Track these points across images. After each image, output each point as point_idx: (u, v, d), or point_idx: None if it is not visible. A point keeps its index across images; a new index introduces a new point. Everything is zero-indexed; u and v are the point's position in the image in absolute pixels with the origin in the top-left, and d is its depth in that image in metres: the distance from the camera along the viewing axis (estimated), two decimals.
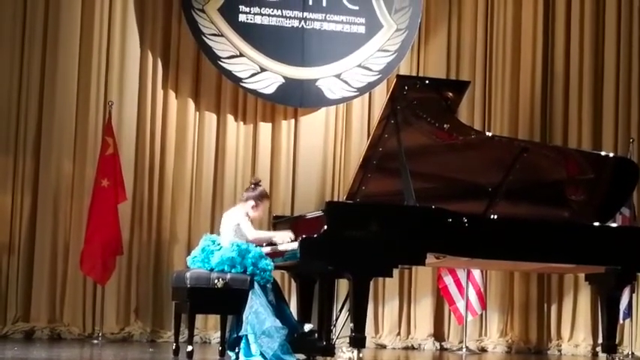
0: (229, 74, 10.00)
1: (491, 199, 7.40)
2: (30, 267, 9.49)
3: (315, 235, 6.53)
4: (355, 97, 10.33)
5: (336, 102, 10.28)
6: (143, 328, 9.64)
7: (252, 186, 7.36)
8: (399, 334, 10.24)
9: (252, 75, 10.04)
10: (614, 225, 7.99)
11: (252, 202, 7.26)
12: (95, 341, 9.19)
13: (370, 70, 10.31)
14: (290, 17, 10.17)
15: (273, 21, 10.14)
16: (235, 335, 7.05)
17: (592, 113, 10.50)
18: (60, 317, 9.52)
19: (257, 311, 6.90)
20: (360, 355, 6.61)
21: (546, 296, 10.36)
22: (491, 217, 7.19)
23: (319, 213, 6.94)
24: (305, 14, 10.19)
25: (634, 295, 9.75)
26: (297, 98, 10.18)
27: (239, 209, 7.28)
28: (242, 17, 10.08)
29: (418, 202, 6.80)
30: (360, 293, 6.59)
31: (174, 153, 9.94)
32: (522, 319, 10.29)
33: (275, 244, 7.23)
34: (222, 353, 7.30)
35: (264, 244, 7.43)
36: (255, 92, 10.08)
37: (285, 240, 7.12)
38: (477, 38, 10.60)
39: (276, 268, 7.18)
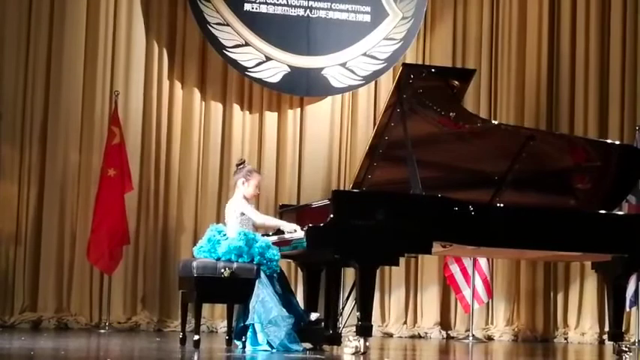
0: (235, 63, 10.00)
1: (498, 187, 7.38)
2: (37, 257, 9.51)
3: (322, 224, 6.54)
4: (361, 85, 10.32)
5: (342, 91, 10.28)
6: (150, 318, 9.66)
7: (236, 169, 7.39)
8: (405, 322, 10.25)
9: (258, 64, 10.03)
10: (620, 213, 7.97)
11: (241, 180, 7.27)
12: (102, 331, 9.21)
13: (376, 58, 10.30)
14: (295, 6, 10.16)
15: (279, 10, 10.13)
16: (242, 324, 7.06)
17: (598, 101, 10.49)
18: (67, 307, 9.54)
19: (263, 300, 6.91)
20: (367, 343, 6.61)
21: (553, 284, 10.36)
22: (498, 205, 7.19)
23: (325, 202, 6.94)
24: (310, 3, 10.18)
25: None
26: (302, 87, 10.18)
27: (236, 196, 7.29)
28: (247, 6, 10.08)
29: (424, 190, 6.79)
30: (366, 282, 6.59)
31: (180, 142, 9.95)
32: (529, 308, 10.29)
33: (282, 232, 7.25)
34: (228, 342, 7.32)
35: (271, 233, 7.45)
36: (260, 81, 10.08)
37: (292, 230, 7.13)
38: (482, 26, 10.59)
39: (283, 257, 7.19)
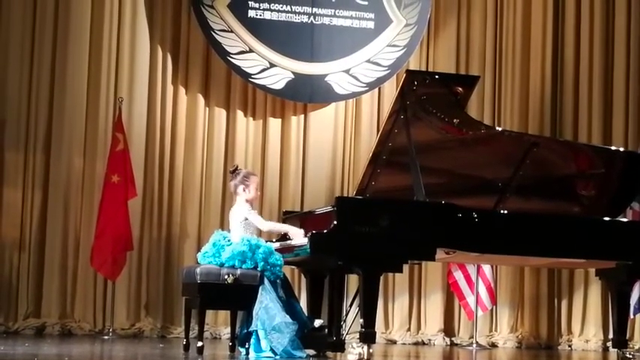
0: (239, 70, 10.00)
1: (501, 194, 7.39)
2: (41, 263, 9.51)
3: (325, 231, 6.54)
4: (364, 92, 10.32)
5: (346, 97, 10.28)
6: (153, 324, 9.65)
7: (231, 175, 7.37)
8: (409, 329, 10.23)
9: (262, 70, 10.04)
10: (624, 219, 7.97)
11: (241, 187, 7.27)
12: (106, 337, 9.21)
13: (379, 65, 10.30)
14: (299, 13, 10.17)
15: (283, 16, 10.14)
16: (245, 331, 7.05)
17: (602, 107, 10.48)
18: (71, 313, 9.54)
19: (267, 307, 6.91)
20: (370, 350, 6.61)
21: (557, 291, 10.35)
22: (501, 212, 7.18)
23: (329, 208, 6.93)
24: (314, 10, 10.19)
25: None
26: (306, 94, 10.18)
27: (239, 202, 7.29)
28: (251, 13, 10.09)
29: (428, 197, 6.79)
30: (370, 289, 6.59)
31: (184, 149, 9.95)
32: (533, 315, 10.28)
33: (287, 238, 7.25)
34: (232, 349, 7.31)
35: (274, 240, 7.45)
36: (264, 88, 10.08)
37: (299, 235, 7.12)
38: (486, 33, 10.58)
39: (286, 263, 7.19)
